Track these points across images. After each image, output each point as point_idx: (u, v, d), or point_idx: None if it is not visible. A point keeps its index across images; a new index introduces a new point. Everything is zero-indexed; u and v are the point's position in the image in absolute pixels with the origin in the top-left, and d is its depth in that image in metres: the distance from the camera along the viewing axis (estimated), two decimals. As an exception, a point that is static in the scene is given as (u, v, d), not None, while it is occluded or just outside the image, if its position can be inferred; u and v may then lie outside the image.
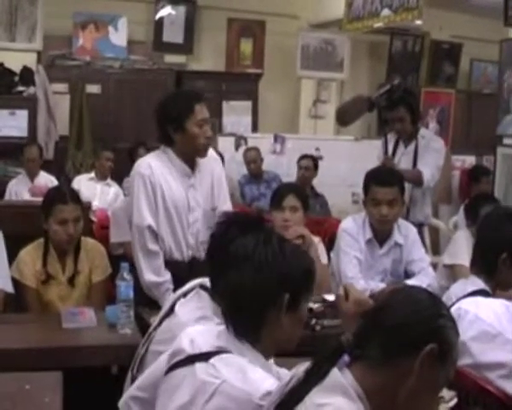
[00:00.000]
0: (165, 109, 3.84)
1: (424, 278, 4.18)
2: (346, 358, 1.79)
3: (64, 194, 3.89)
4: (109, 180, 7.73)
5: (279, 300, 2.00)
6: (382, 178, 4.23)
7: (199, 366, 2.00)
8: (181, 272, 3.67)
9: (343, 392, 1.73)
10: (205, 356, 2.01)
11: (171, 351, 2.15)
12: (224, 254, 2.10)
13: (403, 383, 1.74)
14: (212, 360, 1.98)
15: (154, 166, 3.81)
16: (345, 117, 5.95)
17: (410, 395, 1.75)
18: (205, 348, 2.03)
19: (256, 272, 2.00)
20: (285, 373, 2.51)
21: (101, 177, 7.68)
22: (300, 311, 2.08)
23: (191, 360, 2.03)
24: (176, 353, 2.10)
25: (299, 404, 1.76)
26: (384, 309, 1.84)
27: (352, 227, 4.31)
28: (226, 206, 3.99)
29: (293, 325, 2.07)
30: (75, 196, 3.91)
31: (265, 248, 2.03)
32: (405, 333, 1.75)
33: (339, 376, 1.76)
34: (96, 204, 6.65)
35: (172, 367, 2.10)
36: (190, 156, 3.87)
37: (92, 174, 7.73)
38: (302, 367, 1.83)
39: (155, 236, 3.77)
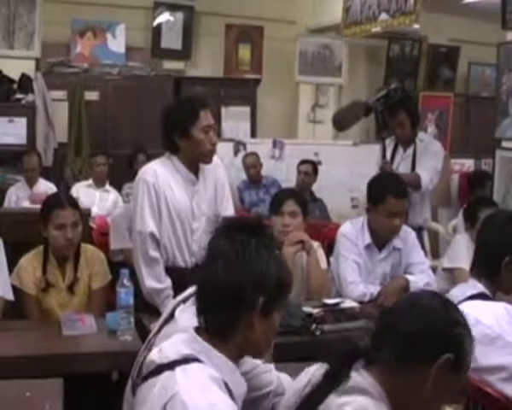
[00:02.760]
0: (170, 116, 3.84)
1: (423, 276, 4.19)
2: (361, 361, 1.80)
3: (61, 199, 3.90)
4: (107, 186, 7.74)
5: (253, 301, 1.97)
6: (401, 190, 4.18)
7: (166, 374, 1.98)
8: (184, 278, 3.64)
9: (364, 392, 1.75)
10: (171, 365, 1.99)
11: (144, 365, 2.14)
12: (209, 254, 2.09)
13: (417, 387, 1.76)
14: (177, 369, 1.96)
15: (159, 173, 3.81)
16: (341, 122, 5.96)
17: (424, 399, 1.76)
18: (172, 357, 2.01)
19: (228, 268, 1.98)
20: (286, 378, 2.52)
21: (99, 183, 7.68)
22: (273, 319, 2.04)
23: (160, 369, 2.02)
24: (147, 364, 2.10)
25: (319, 406, 1.77)
26: (401, 314, 1.84)
27: (351, 232, 4.31)
28: (229, 212, 3.99)
29: (265, 332, 2.03)
30: (73, 201, 3.91)
31: (241, 248, 2.00)
32: (422, 341, 1.76)
33: (358, 377, 1.77)
34: (95, 211, 6.64)
35: (144, 378, 2.10)
36: (195, 163, 3.87)
37: (90, 181, 7.74)
38: (318, 372, 1.83)
39: (157, 242, 3.77)
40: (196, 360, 1.99)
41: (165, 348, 2.09)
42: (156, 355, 2.08)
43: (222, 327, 2.01)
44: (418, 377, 1.75)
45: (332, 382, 1.79)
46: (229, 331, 2.01)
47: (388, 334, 1.82)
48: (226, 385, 1.96)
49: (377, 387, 1.76)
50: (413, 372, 1.76)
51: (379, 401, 1.74)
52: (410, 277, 4.17)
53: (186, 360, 1.99)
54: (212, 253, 2.06)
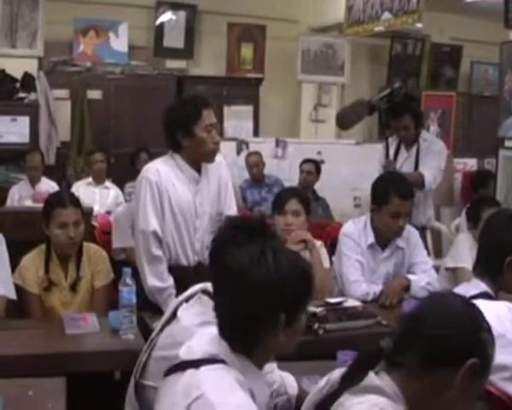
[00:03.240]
0: (173, 115, 3.84)
1: (424, 276, 4.19)
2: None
3: (63, 198, 3.90)
4: (107, 183, 7.75)
5: (275, 320, 1.95)
6: (406, 191, 4.17)
7: (189, 372, 1.98)
8: (187, 277, 3.64)
9: (379, 392, 1.74)
10: (196, 363, 1.99)
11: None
12: (220, 266, 2.09)
13: (441, 393, 1.74)
14: (202, 368, 1.96)
15: (162, 171, 3.81)
16: (345, 121, 5.96)
17: (447, 404, 1.74)
18: (198, 355, 2.02)
19: (250, 292, 1.95)
20: (288, 377, 2.52)
21: (99, 180, 7.68)
22: (298, 324, 2.03)
23: (184, 366, 2.02)
24: (176, 358, 2.11)
25: (335, 404, 1.77)
26: (426, 318, 1.81)
27: (353, 231, 4.30)
28: (232, 211, 3.99)
29: (291, 338, 2.02)
30: (74, 200, 3.91)
31: (260, 267, 1.96)
32: (447, 346, 1.75)
33: (375, 378, 1.76)
34: (96, 209, 6.64)
35: (168, 372, 2.11)
36: (198, 161, 3.87)
37: (89, 179, 7.73)
38: (336, 373, 1.82)
39: (159, 241, 3.77)
40: (222, 361, 1.98)
41: (193, 345, 2.09)
42: (184, 351, 2.09)
43: (245, 347, 2.01)
44: (442, 383, 1.73)
45: (349, 382, 1.78)
46: (253, 348, 2.00)
47: (412, 337, 1.79)
48: (250, 391, 1.96)
49: (395, 389, 1.74)
50: (437, 377, 1.74)
51: (396, 403, 1.73)
52: (411, 276, 4.17)
53: (212, 360, 1.99)
54: (232, 270, 2.02)
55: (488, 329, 1.83)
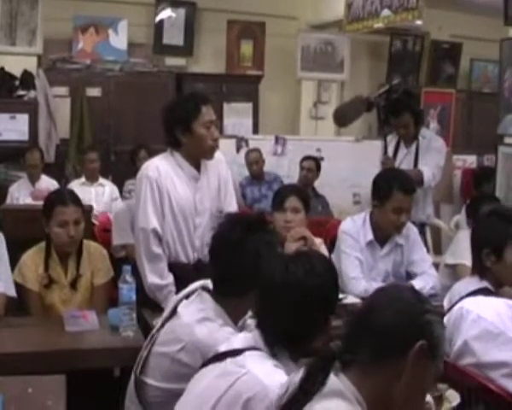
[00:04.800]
0: (172, 112, 3.84)
1: (428, 279, 4.19)
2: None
3: (64, 196, 3.89)
4: (101, 180, 7.73)
5: (327, 322, 2.18)
6: (408, 186, 4.19)
7: (229, 360, 2.11)
8: (187, 274, 3.64)
9: (342, 396, 1.73)
10: (236, 352, 2.12)
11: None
12: (278, 281, 2.19)
13: (396, 382, 1.74)
14: (242, 355, 2.10)
15: (162, 169, 3.81)
16: (343, 118, 5.97)
17: (404, 392, 1.75)
18: (237, 346, 2.15)
19: (310, 300, 2.14)
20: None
21: (92, 179, 7.66)
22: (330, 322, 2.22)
23: (222, 356, 2.15)
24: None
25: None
26: (369, 311, 1.84)
27: (352, 228, 4.31)
28: (232, 207, 4.00)
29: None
30: (75, 198, 3.91)
31: (313, 275, 2.16)
32: (393, 333, 1.75)
33: (336, 381, 1.76)
34: (94, 207, 6.63)
35: (204, 364, 2.22)
36: (197, 158, 3.87)
37: (83, 179, 7.69)
38: (297, 377, 1.84)
39: (159, 239, 3.77)
40: (259, 349, 2.13)
41: (233, 339, 2.24)
42: (223, 346, 2.22)
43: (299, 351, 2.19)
44: (395, 372, 1.74)
45: (309, 387, 1.78)
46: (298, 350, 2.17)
47: (359, 332, 1.81)
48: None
49: (353, 389, 1.74)
50: (389, 367, 1.74)
51: (354, 405, 1.73)
52: (415, 283, 4.13)
53: (251, 348, 2.13)
54: (288, 283, 2.17)
55: (434, 311, 1.82)
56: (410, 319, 1.77)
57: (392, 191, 4.11)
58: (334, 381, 1.76)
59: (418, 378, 1.76)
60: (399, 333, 1.75)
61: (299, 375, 1.82)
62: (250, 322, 2.54)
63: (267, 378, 2.02)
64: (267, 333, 2.15)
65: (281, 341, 2.15)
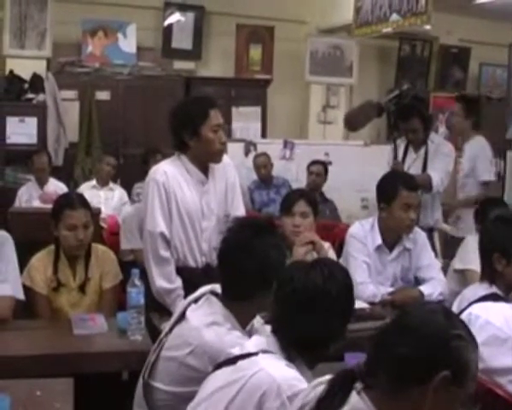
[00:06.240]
0: (179, 115, 3.84)
1: (437, 285, 4.17)
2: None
3: (73, 199, 3.90)
4: (111, 184, 7.75)
5: (342, 330, 2.27)
6: (412, 183, 4.24)
7: (241, 362, 2.13)
8: (195, 278, 3.63)
9: None
10: (249, 355, 2.14)
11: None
12: (292, 290, 2.22)
13: (420, 409, 1.68)
14: (255, 356, 2.13)
15: (170, 172, 3.81)
16: (353, 122, 5.96)
17: None
18: (250, 349, 2.17)
19: (331, 308, 2.20)
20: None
21: (103, 183, 7.69)
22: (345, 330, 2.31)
23: (235, 360, 2.16)
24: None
25: None
26: (393, 335, 1.76)
27: (360, 232, 4.30)
28: (239, 211, 3.99)
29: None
30: (84, 202, 3.91)
31: (331, 282, 2.22)
32: (415, 364, 1.68)
33: (358, 400, 1.72)
34: (102, 211, 6.64)
35: (217, 367, 2.23)
36: (205, 162, 3.87)
37: (93, 182, 7.72)
38: (312, 393, 1.82)
39: (167, 242, 3.77)
40: (273, 353, 2.15)
41: (247, 344, 2.27)
42: (237, 350, 2.24)
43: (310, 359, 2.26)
44: (418, 399, 1.67)
45: (328, 405, 1.75)
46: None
47: (378, 358, 1.75)
48: None
49: None
50: (411, 395, 1.68)
51: None
52: (424, 289, 4.12)
53: (264, 351, 2.15)
54: (307, 295, 2.21)
55: (463, 334, 1.73)
56: (434, 348, 1.68)
57: (397, 190, 4.13)
58: (357, 400, 1.72)
59: (443, 406, 1.70)
60: (421, 364, 1.68)
61: (315, 391, 1.82)
62: (258, 326, 2.54)
63: (280, 376, 2.04)
64: (283, 339, 2.16)
65: (297, 347, 2.15)
